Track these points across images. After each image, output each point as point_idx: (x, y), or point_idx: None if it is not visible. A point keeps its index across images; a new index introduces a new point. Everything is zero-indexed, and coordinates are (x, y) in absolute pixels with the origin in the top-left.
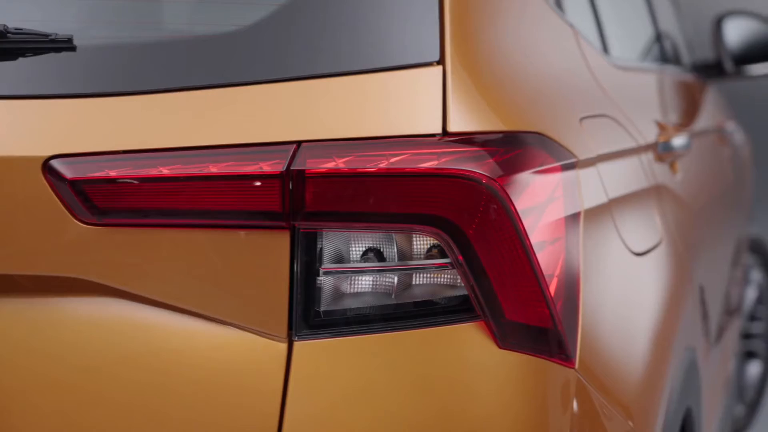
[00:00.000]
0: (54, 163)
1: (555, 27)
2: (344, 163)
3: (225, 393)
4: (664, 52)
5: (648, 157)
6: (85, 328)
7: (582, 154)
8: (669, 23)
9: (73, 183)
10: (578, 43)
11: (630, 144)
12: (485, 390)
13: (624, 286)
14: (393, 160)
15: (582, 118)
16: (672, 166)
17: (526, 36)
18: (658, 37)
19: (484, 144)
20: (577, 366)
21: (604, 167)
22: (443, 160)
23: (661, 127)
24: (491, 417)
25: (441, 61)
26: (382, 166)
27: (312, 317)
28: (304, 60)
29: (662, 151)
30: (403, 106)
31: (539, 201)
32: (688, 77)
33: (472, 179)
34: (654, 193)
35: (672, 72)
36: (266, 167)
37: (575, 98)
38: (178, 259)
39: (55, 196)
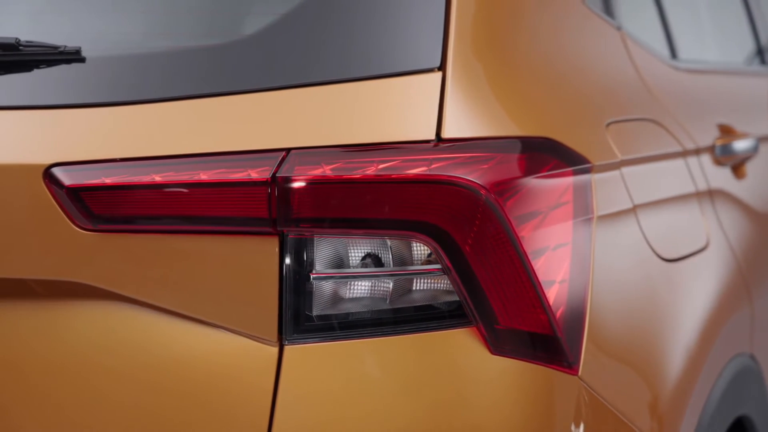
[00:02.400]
0: (54, 170)
1: (591, 31)
2: (332, 170)
3: (216, 394)
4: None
5: (700, 160)
6: (84, 330)
7: (601, 159)
8: None
9: (71, 190)
10: (625, 47)
11: (672, 148)
12: (477, 396)
13: (647, 291)
14: (382, 166)
15: (610, 123)
16: (736, 170)
17: (551, 41)
18: (761, 40)
19: (476, 150)
20: (581, 373)
21: (631, 171)
22: (433, 166)
23: (725, 130)
24: (484, 423)
25: (442, 67)
26: (369, 172)
27: (302, 322)
28: (303, 68)
29: (721, 155)
30: (399, 112)
31: (541, 206)
32: None
33: (461, 185)
34: (704, 197)
35: None
36: (254, 174)
37: (607, 102)
38: (172, 263)
39: (55, 203)
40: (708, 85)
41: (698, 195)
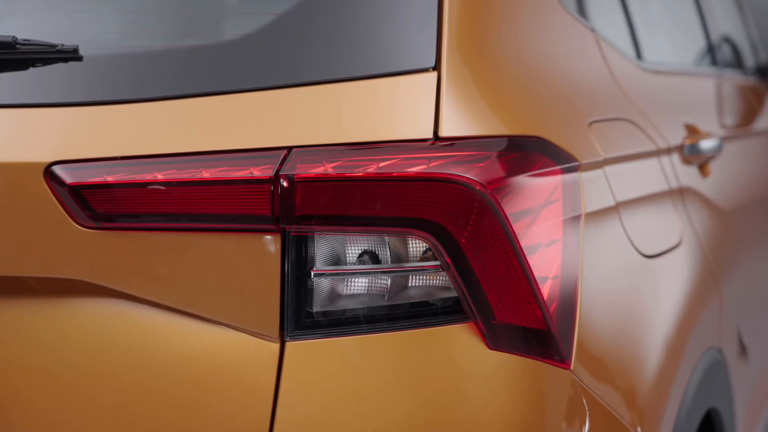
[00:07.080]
0: (55, 168)
1: (570, 32)
2: (333, 168)
3: (218, 390)
4: (718, 56)
5: (671, 159)
6: (86, 328)
7: (586, 158)
8: (729, 26)
9: (73, 188)
10: (599, 48)
11: (647, 147)
12: (475, 390)
13: (630, 287)
14: (382, 164)
15: (592, 122)
16: (702, 168)
17: (536, 42)
18: (712, 41)
19: (474, 148)
20: (572, 367)
21: (612, 170)
22: (432, 164)
23: (691, 129)
24: (482, 416)
25: (437, 67)
26: (370, 170)
27: (303, 318)
28: (299, 67)
29: (689, 154)
30: (397, 112)
31: (534, 204)
32: (747, 80)
33: (460, 183)
34: (676, 195)
35: (725, 75)
36: (257, 172)
37: (587, 102)
38: (174, 261)
39: (56, 201)
40: (675, 87)
41: (670, 193)
